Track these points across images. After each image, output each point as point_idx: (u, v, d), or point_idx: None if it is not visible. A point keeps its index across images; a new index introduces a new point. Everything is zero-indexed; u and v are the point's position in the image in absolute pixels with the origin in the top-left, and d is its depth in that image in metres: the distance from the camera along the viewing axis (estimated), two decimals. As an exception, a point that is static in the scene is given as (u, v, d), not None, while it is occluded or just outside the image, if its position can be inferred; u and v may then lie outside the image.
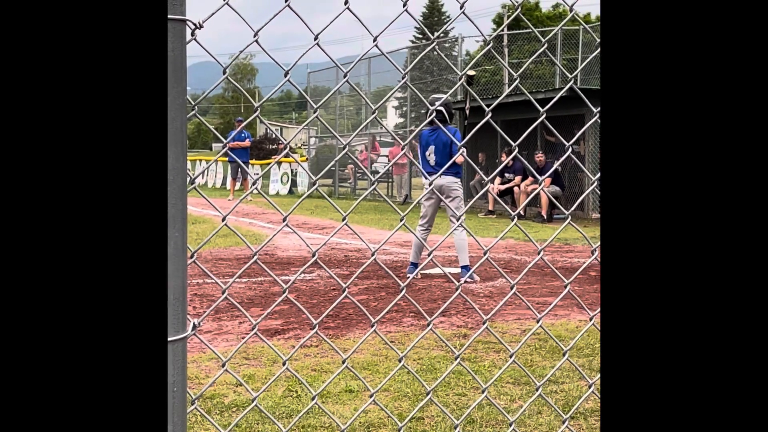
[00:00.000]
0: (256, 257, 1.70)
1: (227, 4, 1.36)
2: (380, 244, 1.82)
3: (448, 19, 53.58)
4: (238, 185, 20.45)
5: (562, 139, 1.92)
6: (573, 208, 2.06)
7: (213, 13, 1.18)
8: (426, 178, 7.70)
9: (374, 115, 1.54)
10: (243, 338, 5.10)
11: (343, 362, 1.93)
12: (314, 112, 1.51)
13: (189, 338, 1.27)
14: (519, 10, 1.84)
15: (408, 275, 7.46)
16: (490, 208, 15.94)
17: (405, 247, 9.85)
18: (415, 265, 7.54)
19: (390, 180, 22.33)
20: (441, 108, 7.45)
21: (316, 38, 1.46)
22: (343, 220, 1.76)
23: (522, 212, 14.69)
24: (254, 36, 1.36)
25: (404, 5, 1.57)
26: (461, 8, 1.74)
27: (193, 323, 1.24)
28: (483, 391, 2.05)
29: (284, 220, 1.68)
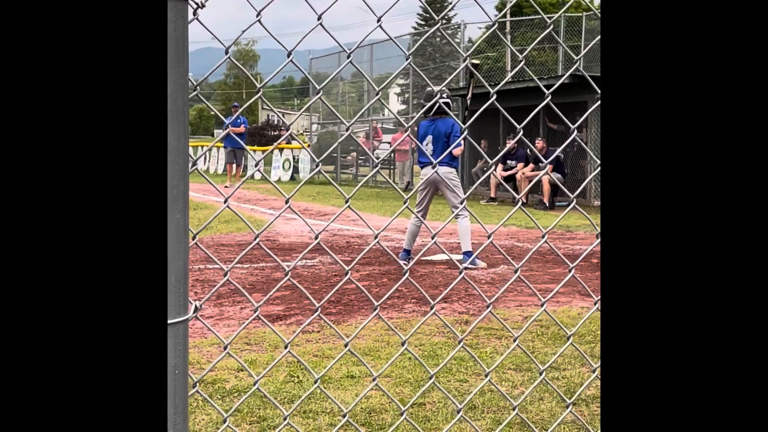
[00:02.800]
0: (257, 240, 1.70)
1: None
2: (382, 228, 1.81)
3: (449, 4, 53.37)
4: (234, 171, 20.45)
5: (568, 121, 1.91)
6: (576, 194, 2.05)
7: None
8: (421, 168, 7.73)
9: (378, 97, 1.53)
10: (245, 324, 5.10)
11: (346, 345, 1.92)
12: (317, 94, 1.50)
13: (191, 323, 1.26)
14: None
15: (401, 261, 7.46)
16: (492, 195, 15.92)
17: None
18: (407, 251, 7.54)
19: (392, 167, 22.31)
20: (447, 100, 7.46)
21: (319, 18, 1.45)
22: (346, 202, 1.76)
23: (524, 199, 14.67)
24: (257, 16, 1.35)
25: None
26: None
27: (195, 305, 1.23)
28: (487, 375, 2.04)
29: (287, 202, 1.68)
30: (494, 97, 1.63)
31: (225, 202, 1.62)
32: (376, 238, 1.78)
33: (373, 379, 1.99)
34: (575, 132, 1.83)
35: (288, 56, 1.43)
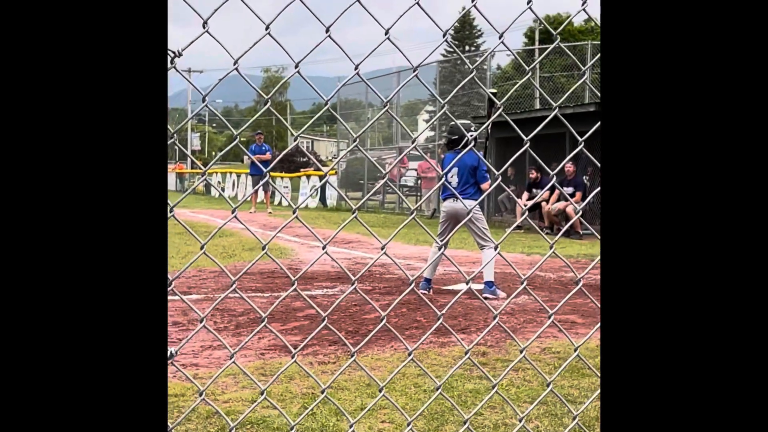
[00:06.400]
0: (295, 286, 1.78)
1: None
2: (416, 275, 1.82)
3: (479, 32, 53.50)
4: (260, 197, 20.54)
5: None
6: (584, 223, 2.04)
7: (191, 42, 1.19)
8: (443, 200, 7.69)
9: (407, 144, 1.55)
10: (262, 354, 5.10)
11: (380, 390, 1.96)
12: (340, 149, 1.56)
13: (207, 354, 1.28)
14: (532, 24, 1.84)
15: (421, 290, 7.44)
16: (518, 223, 15.86)
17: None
18: (428, 280, 7.53)
19: (418, 194, 22.32)
20: (474, 133, 7.47)
21: (356, 68, 1.50)
22: (382, 248, 1.89)
23: (550, 228, 14.60)
24: (290, 74, 1.38)
25: (444, 34, 1.59)
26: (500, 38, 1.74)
27: (170, 351, 1.24)
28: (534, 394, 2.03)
29: (324, 248, 1.82)
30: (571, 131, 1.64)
31: (263, 248, 1.81)
32: (411, 283, 1.92)
33: (380, 390, 2.03)
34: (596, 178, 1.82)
35: (312, 114, 1.46)
